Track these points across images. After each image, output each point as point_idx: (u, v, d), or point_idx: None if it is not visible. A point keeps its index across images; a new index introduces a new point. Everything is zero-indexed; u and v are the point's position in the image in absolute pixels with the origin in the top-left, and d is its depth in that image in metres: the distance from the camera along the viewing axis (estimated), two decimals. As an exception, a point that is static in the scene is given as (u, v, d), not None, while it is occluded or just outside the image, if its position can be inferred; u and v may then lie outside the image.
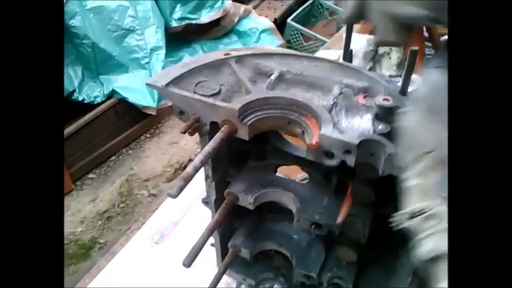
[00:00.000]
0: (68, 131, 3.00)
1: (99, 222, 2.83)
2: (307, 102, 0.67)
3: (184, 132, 0.67)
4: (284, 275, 0.96)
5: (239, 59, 0.78)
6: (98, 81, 3.36)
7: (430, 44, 1.93)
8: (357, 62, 1.61)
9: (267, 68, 0.77)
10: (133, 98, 3.27)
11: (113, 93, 3.32)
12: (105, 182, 3.14)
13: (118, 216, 2.91)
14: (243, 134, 0.67)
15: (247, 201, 0.78)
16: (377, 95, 0.70)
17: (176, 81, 0.71)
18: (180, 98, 0.69)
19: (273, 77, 0.73)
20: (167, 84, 0.70)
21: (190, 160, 0.79)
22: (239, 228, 0.93)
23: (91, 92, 3.29)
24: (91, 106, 3.25)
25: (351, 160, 0.61)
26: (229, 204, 0.78)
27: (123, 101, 3.29)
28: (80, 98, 3.27)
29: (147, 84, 0.71)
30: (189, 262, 0.65)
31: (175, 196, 0.55)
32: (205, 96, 0.69)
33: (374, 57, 1.64)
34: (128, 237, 1.15)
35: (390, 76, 1.57)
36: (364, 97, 0.70)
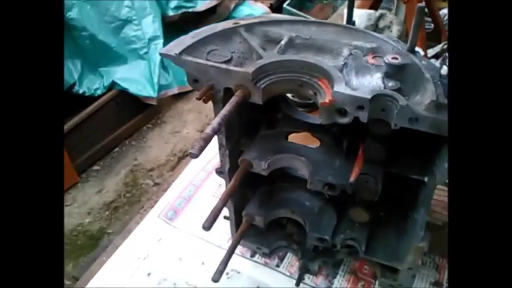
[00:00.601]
0: (70, 124, 3.01)
1: (107, 212, 2.85)
2: (319, 63, 0.68)
3: (200, 99, 0.69)
4: (297, 242, 0.99)
5: (248, 27, 0.79)
6: (98, 73, 3.36)
7: (430, 19, 1.94)
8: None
9: (276, 34, 0.78)
10: (133, 89, 3.27)
11: (113, 85, 3.32)
12: (110, 173, 3.16)
13: (125, 206, 2.94)
14: (257, 97, 0.69)
15: (261, 167, 0.80)
16: (386, 55, 0.72)
17: (188, 50, 0.73)
18: (193, 65, 0.71)
19: (282, 42, 0.75)
20: (180, 53, 0.71)
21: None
22: (252, 198, 0.95)
23: (91, 84, 3.29)
24: (92, 99, 3.26)
25: (363, 116, 0.63)
26: (243, 171, 0.80)
27: (123, 93, 3.30)
28: (81, 91, 3.27)
29: (160, 54, 0.72)
30: (208, 225, 0.67)
31: (196, 156, 0.57)
32: (218, 62, 0.71)
33: (375, 31, 1.64)
34: (142, 215, 1.18)
35: (392, 50, 1.59)
36: (373, 57, 0.72)
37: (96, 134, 3.20)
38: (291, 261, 1.06)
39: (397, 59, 0.68)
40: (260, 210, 0.92)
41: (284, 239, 1.00)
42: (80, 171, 3.08)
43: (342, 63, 0.69)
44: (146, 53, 3.37)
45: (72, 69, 3.25)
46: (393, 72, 0.68)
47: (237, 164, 0.82)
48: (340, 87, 0.63)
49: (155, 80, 3.34)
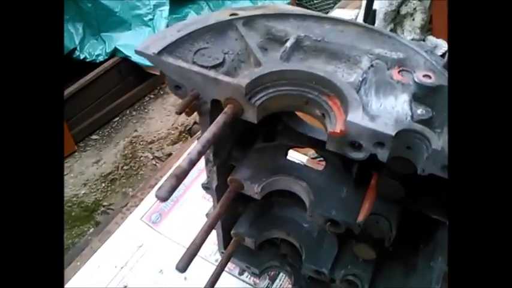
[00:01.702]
0: (69, 90, 2.89)
1: (103, 184, 2.78)
2: (330, 77, 0.54)
3: (180, 113, 0.56)
4: (291, 264, 0.88)
5: (248, 20, 0.64)
6: (100, 38, 3.21)
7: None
8: (376, 23, 1.45)
9: (281, 32, 0.63)
10: (136, 57, 3.11)
11: (115, 51, 3.17)
12: (109, 143, 3.06)
13: (122, 179, 2.85)
14: (251, 116, 0.56)
15: (254, 190, 0.67)
16: (416, 70, 0.57)
17: (171, 47, 0.59)
18: (175, 69, 0.57)
19: (288, 44, 0.60)
20: (160, 52, 0.57)
21: (196, 123, 0.69)
22: (243, 213, 0.83)
23: (93, 50, 3.14)
24: (93, 65, 3.12)
25: (383, 154, 0.49)
26: (232, 193, 0.68)
27: (126, 60, 3.15)
28: (82, 57, 3.14)
29: (136, 52, 0.59)
30: (183, 266, 0.56)
31: (164, 199, 0.45)
32: (206, 67, 0.57)
33: (395, 18, 1.47)
34: (124, 215, 1.06)
35: (413, 39, 1.42)
36: (399, 71, 0.58)
37: (96, 102, 3.08)
38: (283, 284, 0.96)
39: (429, 77, 0.54)
40: (251, 230, 0.80)
41: (277, 259, 0.89)
42: (78, 140, 2.99)
43: (360, 78, 0.55)
44: (151, 19, 3.19)
45: (73, 33, 3.10)
46: (424, 94, 0.53)
47: (227, 181, 0.70)
48: (355, 115, 0.49)
49: (159, 48, 3.17)
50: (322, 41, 0.61)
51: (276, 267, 0.91)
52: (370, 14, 1.21)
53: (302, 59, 0.62)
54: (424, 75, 0.54)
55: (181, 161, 0.48)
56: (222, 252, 0.90)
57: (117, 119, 3.23)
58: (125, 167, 2.93)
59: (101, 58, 3.17)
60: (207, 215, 0.83)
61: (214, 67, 0.58)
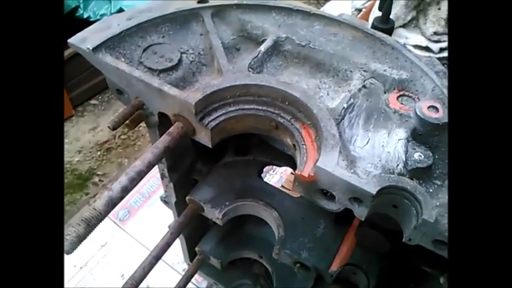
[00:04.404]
0: (69, 51, 2.76)
1: (98, 153, 2.70)
2: (307, 100, 0.42)
3: (114, 128, 0.44)
4: (263, 285, 0.78)
5: (218, 11, 0.52)
6: (106, -4, 3.05)
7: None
8: (396, 10, 1.29)
9: (257, 30, 0.51)
10: (141, 20, 2.96)
11: (120, 11, 3.01)
12: (107, 109, 2.96)
13: (118, 148, 2.77)
14: (204, 138, 0.44)
15: (214, 215, 0.57)
16: (420, 97, 0.45)
17: (114, 41, 0.47)
18: (114, 71, 0.45)
19: (262, 47, 0.48)
20: (98, 47, 0.45)
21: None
22: (210, 228, 0.73)
23: (97, 9, 2.98)
24: (97, 25, 2.98)
25: (360, 212, 0.38)
26: (189, 216, 0.58)
27: (130, 23, 3.00)
28: (85, 15, 2.98)
29: (68, 44, 0.47)
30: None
31: (68, 253, 0.34)
32: (154, 71, 0.45)
33: (419, 5, 1.29)
34: (90, 206, 0.96)
35: (435, 33, 1.25)
36: (398, 97, 0.45)
37: (97, 65, 2.96)
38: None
39: (436, 110, 0.41)
40: (217, 249, 0.71)
41: (249, 278, 0.80)
42: (76, 104, 2.89)
43: (346, 104, 0.42)
44: (160, -21, 3.01)
45: (76, -10, 2.94)
46: (426, 132, 0.41)
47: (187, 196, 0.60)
48: (329, 159, 0.37)
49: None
50: (307, 46, 0.48)
51: (248, 285, 0.81)
52: (386, 0, 1.05)
53: (281, 66, 0.49)
54: (429, 106, 0.41)
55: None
56: (189, 264, 0.81)
57: (118, 84, 3.12)
58: (122, 136, 2.84)
59: (105, 18, 3.02)
60: (169, 226, 0.73)
61: (165, 71, 0.46)
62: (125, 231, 0.91)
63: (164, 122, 0.47)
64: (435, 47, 1.25)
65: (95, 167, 2.78)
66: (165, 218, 0.64)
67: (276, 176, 1.02)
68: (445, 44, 1.25)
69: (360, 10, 1.61)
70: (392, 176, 0.37)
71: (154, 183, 0.98)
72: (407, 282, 0.65)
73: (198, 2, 0.52)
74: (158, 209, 0.97)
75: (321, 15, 0.51)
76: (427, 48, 1.26)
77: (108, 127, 0.45)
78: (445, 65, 1.25)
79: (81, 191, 2.66)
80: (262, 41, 0.50)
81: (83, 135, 2.91)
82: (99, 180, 2.56)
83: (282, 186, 0.93)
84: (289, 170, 0.66)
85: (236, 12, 0.51)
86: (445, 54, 1.26)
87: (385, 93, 0.45)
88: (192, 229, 0.72)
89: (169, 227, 0.73)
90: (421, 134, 0.41)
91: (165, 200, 0.65)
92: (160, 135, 0.47)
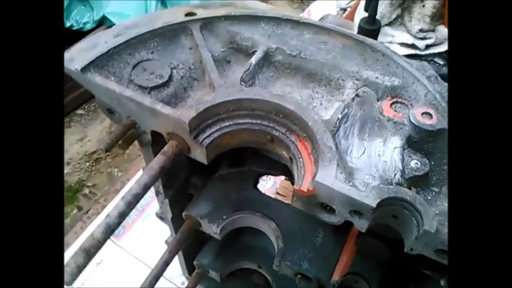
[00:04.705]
0: (53, 61, 2.73)
1: (87, 163, 2.66)
2: (301, 112, 0.42)
3: (107, 150, 0.43)
4: (264, 295, 0.78)
5: (206, 23, 0.51)
6: (88, 4, 3.00)
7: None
8: (381, 8, 1.29)
9: (247, 41, 0.50)
10: (125, 27, 2.93)
11: (103, 19, 2.97)
12: (95, 119, 2.92)
13: (107, 158, 2.74)
14: (199, 155, 0.43)
15: (212, 230, 0.56)
16: (413, 104, 0.45)
17: (103, 60, 0.46)
18: (104, 91, 0.44)
19: (253, 60, 0.47)
20: (86, 67, 0.44)
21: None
22: (208, 240, 0.72)
23: (80, 17, 2.94)
24: (80, 34, 2.93)
25: (361, 224, 0.37)
26: (187, 232, 0.57)
27: (114, 30, 2.97)
28: (68, 24, 2.94)
29: (55, 64, 0.45)
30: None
31: (69, 284, 0.33)
32: (145, 88, 0.44)
33: (403, 3, 1.30)
34: (85, 224, 0.96)
35: (421, 30, 1.26)
36: (392, 104, 0.45)
37: (82, 74, 2.92)
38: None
39: (430, 117, 0.41)
40: (216, 262, 0.70)
41: None
42: (63, 115, 2.86)
43: (340, 115, 0.42)
44: (143, -15, 2.98)
45: (57, -2, 2.90)
46: (421, 139, 0.41)
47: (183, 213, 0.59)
48: (327, 174, 0.37)
49: (151, 17, 2.98)
50: (298, 56, 0.48)
51: (247, 294, 0.81)
52: (373, 2, 1.06)
53: (272, 77, 0.49)
54: (423, 113, 0.41)
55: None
56: (188, 278, 0.80)
57: (104, 93, 3.09)
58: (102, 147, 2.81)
59: (88, 26, 2.97)
60: (166, 242, 0.72)
61: (157, 88, 0.45)
62: (121, 247, 0.90)
63: (158, 140, 0.47)
64: (421, 44, 1.26)
65: (85, 178, 2.75)
66: (160, 231, 0.63)
67: (270, 182, 1.02)
68: (431, 41, 1.26)
69: (345, 9, 1.62)
70: (391, 187, 0.36)
71: (147, 196, 0.97)
72: (408, 283, 0.65)
73: (186, 15, 0.51)
74: (153, 222, 0.96)
75: (310, 23, 0.51)
76: (413, 46, 1.26)
77: (101, 149, 0.44)
78: (432, 62, 1.26)
79: (71, 203, 2.62)
80: (253, 53, 0.49)
81: (70, 147, 2.87)
82: (90, 192, 2.52)
83: (277, 193, 0.93)
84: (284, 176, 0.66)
85: (225, 24, 0.51)
86: (431, 51, 1.27)
87: (378, 101, 0.45)
88: (189, 243, 0.71)
89: (166, 242, 0.73)
90: (416, 141, 0.41)
91: (161, 216, 0.64)
92: (154, 154, 0.46)
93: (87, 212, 1.04)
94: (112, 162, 2.82)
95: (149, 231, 0.93)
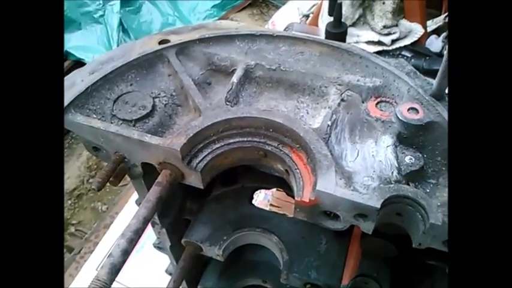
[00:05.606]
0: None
1: (69, 201, 2.59)
2: (291, 124, 0.42)
3: (99, 189, 0.42)
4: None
5: (182, 48, 0.51)
6: (48, 41, 2.96)
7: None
8: (343, 10, 1.32)
9: (225, 61, 0.50)
10: (90, 59, 2.89)
11: (67, 55, 2.93)
12: (71, 155, 2.86)
13: (89, 193, 2.68)
14: (195, 181, 0.43)
15: (215, 252, 0.55)
16: (397, 101, 0.45)
17: (82, 99, 0.45)
18: (88, 130, 0.43)
19: (235, 78, 0.47)
20: (65, 109, 0.43)
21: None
22: (210, 262, 0.71)
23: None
24: (44, 71, 2.88)
25: (367, 226, 0.38)
26: (189, 259, 0.56)
27: (80, 64, 2.92)
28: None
29: (34, 109, 0.44)
30: None
31: None
32: (129, 121, 0.44)
33: (364, 3, 1.34)
34: (79, 264, 0.93)
35: (385, 27, 1.30)
36: (377, 104, 0.46)
37: (51, 112, 2.86)
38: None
39: (416, 111, 0.42)
40: (221, 283, 0.69)
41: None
42: (37, 156, 2.78)
43: (329, 122, 0.42)
44: (102, 16, 2.96)
45: (16, 39, 2.84)
46: (411, 134, 0.42)
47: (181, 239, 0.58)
48: (327, 181, 0.37)
49: (114, 46, 2.95)
50: (278, 69, 0.48)
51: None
52: (336, 6, 1.08)
53: (256, 93, 0.49)
54: (409, 109, 0.42)
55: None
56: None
57: (77, 127, 3.02)
58: (91, 180, 2.74)
59: (51, 64, 2.92)
60: (166, 271, 0.71)
61: (142, 119, 0.44)
62: (118, 281, 0.87)
63: (149, 171, 0.46)
64: (387, 39, 1.30)
65: (69, 216, 2.68)
66: (156, 261, 0.62)
67: (261, 195, 1.01)
68: (396, 36, 1.29)
69: (307, 16, 1.64)
70: (392, 185, 0.37)
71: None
72: (415, 275, 0.66)
73: (160, 43, 0.51)
74: (148, 253, 0.94)
75: (284, 36, 0.51)
76: (379, 43, 1.30)
77: (93, 188, 0.43)
78: (400, 56, 1.28)
79: (58, 244, 2.53)
80: (232, 72, 0.49)
81: (50, 187, 2.77)
82: (76, 229, 2.46)
83: (271, 204, 0.92)
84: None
85: (200, 47, 0.51)
86: (398, 45, 1.31)
87: (363, 102, 0.45)
88: (190, 268, 0.70)
89: (167, 271, 0.71)
90: (406, 136, 0.42)
91: (158, 246, 0.62)
92: (147, 185, 0.45)
93: (79, 251, 1.01)
94: (95, 197, 2.75)
95: (145, 263, 0.91)
